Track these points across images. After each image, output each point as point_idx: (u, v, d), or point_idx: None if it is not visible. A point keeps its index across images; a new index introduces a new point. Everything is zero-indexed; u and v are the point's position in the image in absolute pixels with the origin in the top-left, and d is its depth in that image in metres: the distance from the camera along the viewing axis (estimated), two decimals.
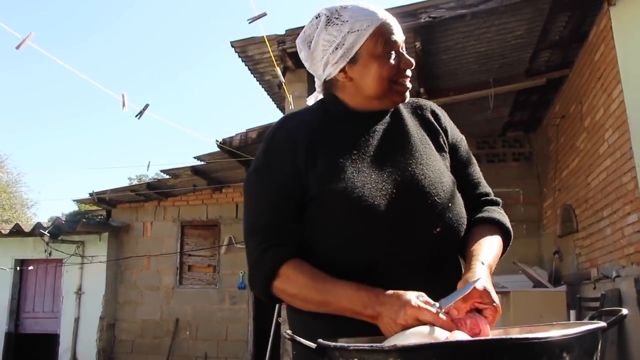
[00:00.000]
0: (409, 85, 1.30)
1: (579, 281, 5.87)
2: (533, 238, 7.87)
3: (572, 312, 5.24)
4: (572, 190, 6.25)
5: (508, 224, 1.34)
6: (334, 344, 0.92)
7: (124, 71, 41.81)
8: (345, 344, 0.91)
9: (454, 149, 1.39)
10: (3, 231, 8.87)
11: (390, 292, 1.08)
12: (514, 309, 5.51)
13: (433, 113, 1.41)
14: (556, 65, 6.07)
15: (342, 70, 1.28)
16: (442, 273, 1.21)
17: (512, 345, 0.83)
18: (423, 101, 1.43)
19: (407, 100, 1.34)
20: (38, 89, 38.87)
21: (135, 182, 15.76)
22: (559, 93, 6.59)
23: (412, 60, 1.29)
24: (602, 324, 0.98)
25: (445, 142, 1.37)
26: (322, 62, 1.29)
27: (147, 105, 3.64)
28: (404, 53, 1.28)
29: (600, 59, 4.98)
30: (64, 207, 38.18)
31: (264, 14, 3.59)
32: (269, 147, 1.30)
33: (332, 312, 1.15)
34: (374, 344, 0.87)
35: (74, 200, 9.89)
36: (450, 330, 0.97)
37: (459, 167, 1.37)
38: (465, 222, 1.28)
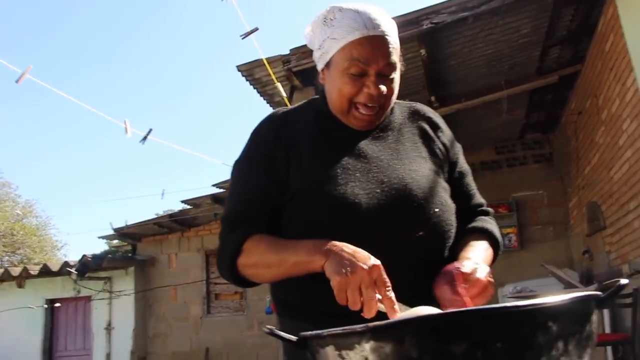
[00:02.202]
0: (371, 114, 1.23)
1: (611, 279, 5.67)
2: (561, 240, 7.67)
3: (606, 311, 5.06)
4: (596, 187, 6.09)
5: (498, 234, 1.35)
6: (310, 333, 0.89)
7: (133, 104, 42.06)
8: (320, 332, 0.88)
9: (451, 159, 1.37)
10: (32, 272, 9.02)
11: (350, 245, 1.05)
12: None
13: (429, 120, 1.39)
14: (568, 61, 5.98)
15: (322, 70, 1.29)
16: (426, 277, 1.16)
17: (492, 316, 0.78)
18: (420, 106, 1.41)
19: (374, 126, 1.29)
20: (47, 130, 39.47)
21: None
22: (574, 89, 6.48)
23: (380, 90, 1.19)
24: (596, 293, 0.92)
25: (442, 150, 1.35)
26: (315, 55, 1.30)
27: (150, 130, 3.70)
28: (375, 80, 1.19)
29: (611, 49, 4.88)
30: (95, 246, 38.74)
31: (256, 29, 3.63)
32: (252, 142, 1.31)
33: (290, 270, 1.12)
34: (347, 327, 0.83)
35: (99, 237, 10.02)
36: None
37: (456, 177, 1.36)
38: (454, 230, 1.26)
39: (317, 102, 1.36)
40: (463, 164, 1.41)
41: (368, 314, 0.97)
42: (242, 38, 3.62)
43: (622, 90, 4.77)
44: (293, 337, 0.93)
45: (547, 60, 5.91)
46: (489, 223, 1.35)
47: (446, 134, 1.40)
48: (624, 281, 1.00)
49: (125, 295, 9.03)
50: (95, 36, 41.04)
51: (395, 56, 1.21)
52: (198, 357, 8.93)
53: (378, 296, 0.98)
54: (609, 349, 5.09)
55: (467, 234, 1.30)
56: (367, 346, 0.80)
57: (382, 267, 1.00)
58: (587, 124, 6.14)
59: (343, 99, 1.22)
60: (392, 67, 1.21)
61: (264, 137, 1.28)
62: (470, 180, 1.41)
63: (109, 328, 9.19)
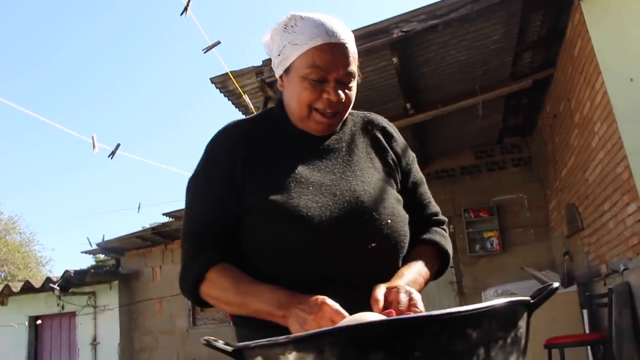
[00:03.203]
0: (331, 119, 1.25)
1: (590, 279, 5.73)
2: (542, 242, 7.75)
3: (585, 312, 5.11)
4: (572, 189, 6.16)
5: (448, 246, 1.36)
6: (243, 344, 0.91)
7: (101, 119, 41.04)
8: (249, 342, 0.90)
9: (405, 169, 1.38)
10: (14, 289, 8.92)
11: (310, 296, 1.06)
12: None
13: (383, 130, 1.40)
14: (540, 65, 6.06)
15: (280, 77, 1.30)
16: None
17: (408, 325, 0.80)
18: (374, 116, 1.43)
19: (331, 131, 1.30)
20: (28, 148, 38.84)
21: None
22: (548, 93, 6.57)
23: (339, 97, 1.21)
24: (524, 299, 0.95)
25: (395, 161, 1.36)
26: (274, 62, 1.31)
27: (118, 145, 3.70)
28: (335, 86, 1.21)
29: (579, 53, 4.96)
30: (81, 262, 38.22)
31: (218, 42, 3.64)
32: (207, 156, 1.30)
33: (251, 314, 1.14)
34: (272, 338, 0.85)
35: (82, 252, 9.93)
36: None
37: (410, 187, 1.37)
38: (407, 240, 1.27)
39: (274, 111, 1.36)
40: (417, 173, 1.41)
41: None
42: (204, 52, 3.63)
43: (591, 93, 4.84)
44: (229, 348, 0.94)
45: (520, 65, 5.99)
46: (439, 234, 1.36)
47: (399, 143, 1.41)
48: (555, 284, 1.02)
49: (109, 309, 8.97)
50: (60, 51, 40.37)
51: (354, 66, 1.24)
52: None
53: None
54: (589, 349, 5.14)
55: (416, 247, 1.31)
56: (290, 357, 0.83)
57: (329, 303, 1.02)
58: (561, 127, 6.22)
59: (302, 105, 1.23)
60: (351, 75, 1.23)
61: (220, 151, 1.28)
62: (424, 189, 1.41)
63: (94, 343, 9.11)
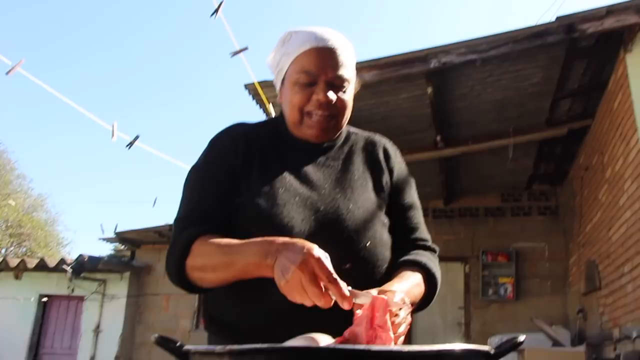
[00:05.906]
0: (321, 121, 1.24)
1: (602, 342, 5.53)
2: (558, 296, 7.53)
3: None
4: (595, 245, 5.98)
5: (435, 269, 1.28)
6: (186, 347, 0.89)
7: (123, 108, 40.30)
8: (190, 347, 0.88)
9: (397, 190, 1.35)
10: (29, 265, 9.06)
11: (298, 239, 1.02)
12: None
13: (385, 151, 1.39)
14: (578, 114, 5.94)
15: (280, 90, 1.30)
16: (351, 311, 1.15)
17: (347, 356, 0.76)
18: (378, 137, 1.42)
19: (329, 137, 1.29)
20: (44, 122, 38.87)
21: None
22: (583, 144, 6.42)
23: (328, 99, 1.20)
24: (480, 347, 0.90)
25: (389, 182, 1.34)
26: (275, 78, 1.32)
27: (137, 137, 3.73)
28: (324, 87, 1.21)
29: (619, 107, 4.84)
30: (101, 248, 38.47)
31: (246, 48, 3.66)
32: (211, 149, 1.31)
33: (239, 275, 1.09)
34: (210, 346, 0.83)
35: (100, 239, 10.05)
36: (344, 306, 0.95)
37: (400, 209, 1.34)
38: (385, 265, 1.24)
39: (278, 121, 1.37)
40: (411, 197, 1.38)
41: (324, 307, 0.96)
42: (231, 56, 3.66)
43: (625, 149, 4.72)
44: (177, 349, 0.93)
45: (557, 112, 5.88)
46: (425, 257, 1.29)
47: (397, 164, 1.39)
48: (521, 338, 0.97)
49: (117, 299, 9.03)
50: (90, 32, 40.17)
51: (346, 71, 1.23)
52: None
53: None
54: None
55: (402, 267, 1.25)
56: None
57: (318, 256, 0.96)
58: (592, 180, 6.07)
59: (294, 109, 1.24)
60: (342, 79, 1.23)
61: (224, 146, 1.29)
62: (416, 214, 1.37)
63: (97, 330, 9.16)
